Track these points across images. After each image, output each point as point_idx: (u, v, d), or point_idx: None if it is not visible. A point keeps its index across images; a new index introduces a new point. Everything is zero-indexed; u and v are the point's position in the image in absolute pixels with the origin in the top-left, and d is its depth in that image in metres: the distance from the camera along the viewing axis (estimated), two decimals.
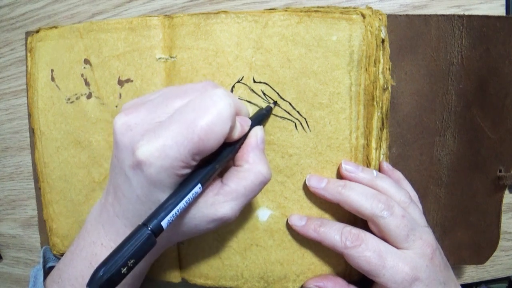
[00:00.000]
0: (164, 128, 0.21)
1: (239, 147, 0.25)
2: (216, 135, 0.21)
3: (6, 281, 0.43)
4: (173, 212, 0.21)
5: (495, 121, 0.33)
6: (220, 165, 0.23)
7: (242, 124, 0.24)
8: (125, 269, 0.19)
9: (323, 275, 0.30)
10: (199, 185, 0.22)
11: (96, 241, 0.25)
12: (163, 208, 0.21)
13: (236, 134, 0.23)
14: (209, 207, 0.23)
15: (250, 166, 0.24)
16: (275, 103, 0.29)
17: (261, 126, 0.26)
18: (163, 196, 0.22)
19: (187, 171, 0.22)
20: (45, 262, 0.32)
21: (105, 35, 0.31)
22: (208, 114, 0.20)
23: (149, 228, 0.20)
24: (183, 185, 0.22)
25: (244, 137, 0.25)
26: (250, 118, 0.26)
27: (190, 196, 0.21)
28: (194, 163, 0.21)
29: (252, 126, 0.26)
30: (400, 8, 0.34)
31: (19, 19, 0.40)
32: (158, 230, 0.20)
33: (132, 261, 0.19)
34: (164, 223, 0.20)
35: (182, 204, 0.21)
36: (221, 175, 0.24)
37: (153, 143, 0.20)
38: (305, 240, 0.29)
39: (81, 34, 0.32)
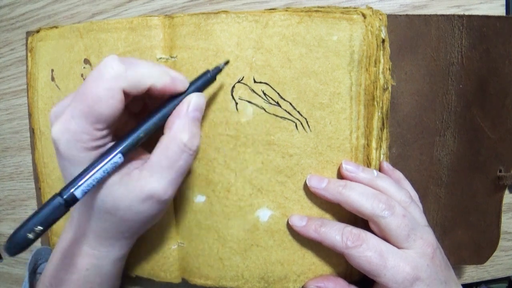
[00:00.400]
0: (67, 106, 0.22)
1: (169, 114, 0.24)
2: (105, 100, 0.21)
3: (6, 281, 0.43)
4: (86, 180, 0.21)
5: (495, 121, 0.33)
6: (145, 132, 0.23)
7: (174, 78, 0.23)
8: (31, 234, 0.20)
9: (324, 276, 0.30)
10: (118, 153, 0.22)
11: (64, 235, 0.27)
12: (76, 178, 0.21)
13: (160, 84, 0.22)
14: (135, 183, 0.22)
15: (172, 133, 0.22)
16: (226, 63, 0.27)
17: (201, 93, 0.24)
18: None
19: (98, 143, 0.22)
20: (35, 263, 0.33)
21: (105, 35, 0.31)
22: (93, 80, 0.21)
23: (63, 197, 0.20)
24: (103, 155, 0.22)
25: (177, 103, 0.24)
26: (192, 81, 0.25)
27: (106, 164, 0.21)
28: (100, 133, 0.21)
29: (194, 89, 0.24)
30: (400, 8, 0.34)
31: (19, 19, 0.40)
32: (71, 198, 0.21)
33: (39, 228, 0.20)
34: (78, 192, 0.21)
35: (98, 173, 0.21)
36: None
37: (58, 121, 0.22)
38: (306, 241, 0.29)
39: (81, 34, 0.32)
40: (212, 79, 0.26)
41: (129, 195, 0.22)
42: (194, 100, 0.24)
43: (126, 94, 0.22)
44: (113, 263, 0.27)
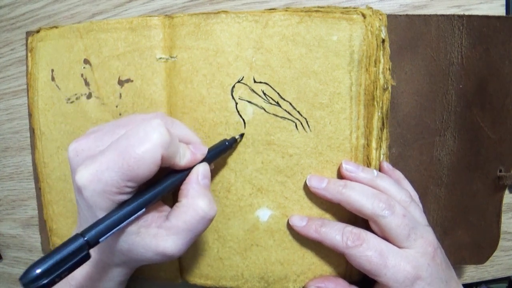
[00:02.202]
0: (101, 154, 0.22)
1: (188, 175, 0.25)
2: (146, 163, 0.21)
3: (6, 281, 0.43)
4: (110, 228, 0.21)
5: (495, 121, 0.33)
6: (167, 190, 0.24)
7: (194, 152, 0.25)
8: (58, 278, 0.20)
9: (324, 276, 0.30)
10: (143, 208, 0.23)
11: None
12: (98, 223, 0.21)
13: (184, 162, 0.24)
14: (151, 239, 0.23)
15: (189, 201, 0.24)
16: (242, 135, 0.29)
17: (205, 163, 0.26)
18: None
19: (123, 197, 0.22)
20: None
21: (105, 35, 0.31)
22: (139, 143, 0.21)
23: (85, 239, 0.20)
24: (123, 204, 0.22)
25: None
26: (210, 148, 0.27)
27: (132, 216, 0.22)
28: (128, 189, 0.22)
29: (210, 156, 0.26)
30: (400, 8, 0.34)
31: (19, 19, 0.40)
32: (94, 242, 0.21)
33: (65, 273, 0.20)
34: (102, 238, 0.21)
35: (122, 223, 0.22)
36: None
37: (89, 168, 0.21)
38: (306, 240, 0.29)
39: (81, 34, 0.32)
40: (229, 147, 0.28)
41: (144, 246, 0.23)
42: (201, 170, 0.25)
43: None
44: (117, 285, 0.28)
